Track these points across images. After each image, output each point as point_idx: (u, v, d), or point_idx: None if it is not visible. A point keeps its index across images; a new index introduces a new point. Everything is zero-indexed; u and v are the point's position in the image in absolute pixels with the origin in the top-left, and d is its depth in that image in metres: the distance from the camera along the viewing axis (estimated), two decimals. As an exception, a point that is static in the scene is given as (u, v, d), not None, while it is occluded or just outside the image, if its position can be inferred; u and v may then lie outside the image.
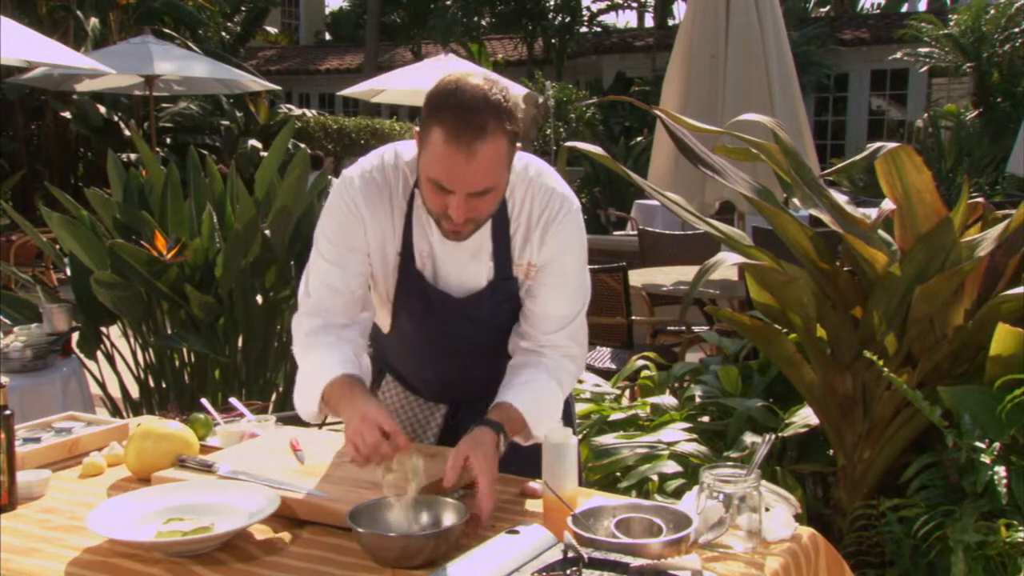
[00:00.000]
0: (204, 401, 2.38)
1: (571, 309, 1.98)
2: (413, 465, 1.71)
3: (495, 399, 1.89)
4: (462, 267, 1.96)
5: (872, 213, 2.70)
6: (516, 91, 11.39)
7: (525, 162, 1.93)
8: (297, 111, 16.75)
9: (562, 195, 1.93)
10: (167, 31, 14.24)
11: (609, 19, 45.59)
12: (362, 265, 1.97)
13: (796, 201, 2.77)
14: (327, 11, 29.14)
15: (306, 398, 1.92)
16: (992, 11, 13.25)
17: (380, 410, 1.77)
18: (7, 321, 3.81)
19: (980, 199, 2.87)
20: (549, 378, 1.93)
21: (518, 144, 1.82)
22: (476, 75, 1.81)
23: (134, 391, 4.12)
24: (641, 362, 3.60)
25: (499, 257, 1.93)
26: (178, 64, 10.64)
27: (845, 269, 2.78)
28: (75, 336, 3.87)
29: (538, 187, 1.92)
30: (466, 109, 1.72)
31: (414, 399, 2.20)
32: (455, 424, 2.14)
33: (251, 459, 1.93)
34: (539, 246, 1.92)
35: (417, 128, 1.83)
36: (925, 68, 14.48)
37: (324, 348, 1.91)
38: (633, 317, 4.65)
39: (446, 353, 2.05)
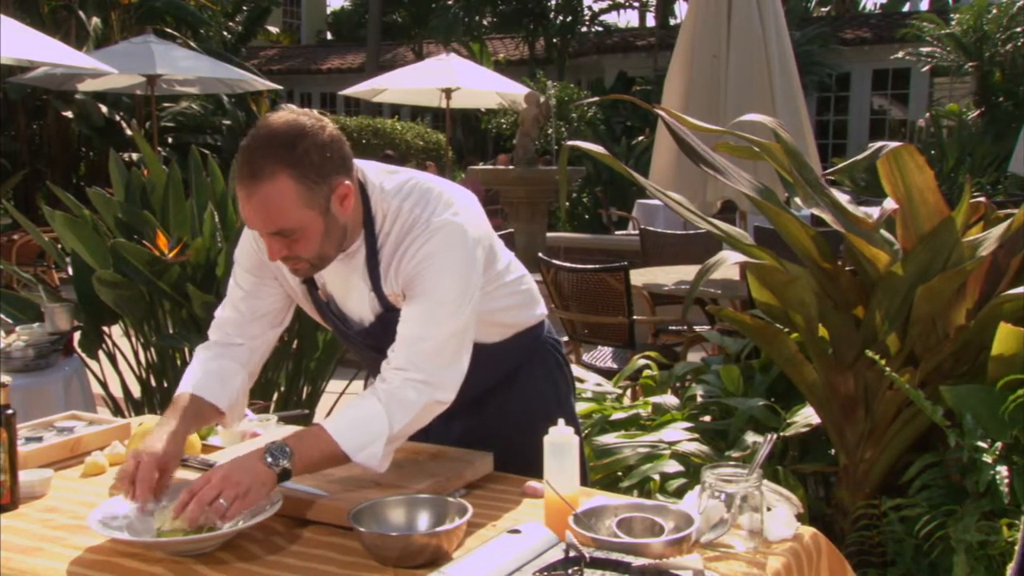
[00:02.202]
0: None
1: (420, 331, 1.82)
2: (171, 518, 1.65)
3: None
4: (349, 301, 1.98)
5: (874, 212, 2.70)
6: (518, 90, 11.41)
7: (407, 189, 1.89)
8: (298, 109, 16.73)
9: (425, 220, 1.84)
10: (169, 31, 14.25)
11: (611, 19, 45.55)
12: (267, 287, 2.04)
13: (798, 200, 2.76)
14: (328, 11, 29.15)
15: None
16: (994, 10, 13.24)
17: (153, 454, 1.74)
18: (9, 320, 3.82)
19: (982, 199, 2.87)
20: (376, 402, 1.79)
21: (346, 181, 1.79)
22: (295, 114, 1.80)
23: (136, 390, 4.12)
24: (643, 361, 3.60)
25: (376, 289, 1.92)
26: (180, 64, 10.66)
27: (847, 269, 2.78)
28: (77, 335, 3.87)
29: (405, 216, 1.87)
30: (247, 150, 1.75)
31: None
32: (448, 426, 2.13)
33: (253, 458, 1.92)
34: (396, 273, 1.88)
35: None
36: (927, 67, 14.48)
37: (196, 363, 2.02)
38: (635, 316, 4.65)
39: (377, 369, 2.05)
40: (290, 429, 2.18)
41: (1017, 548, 1.24)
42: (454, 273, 1.84)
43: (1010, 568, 1.26)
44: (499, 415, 2.12)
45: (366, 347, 2.02)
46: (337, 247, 1.86)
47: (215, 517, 1.61)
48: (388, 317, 1.91)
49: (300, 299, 2.06)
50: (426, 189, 1.89)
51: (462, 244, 1.85)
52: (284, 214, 1.74)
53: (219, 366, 2.00)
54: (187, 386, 1.96)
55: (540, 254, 5.11)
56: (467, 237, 1.86)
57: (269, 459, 1.68)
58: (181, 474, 1.88)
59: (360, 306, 1.97)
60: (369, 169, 1.93)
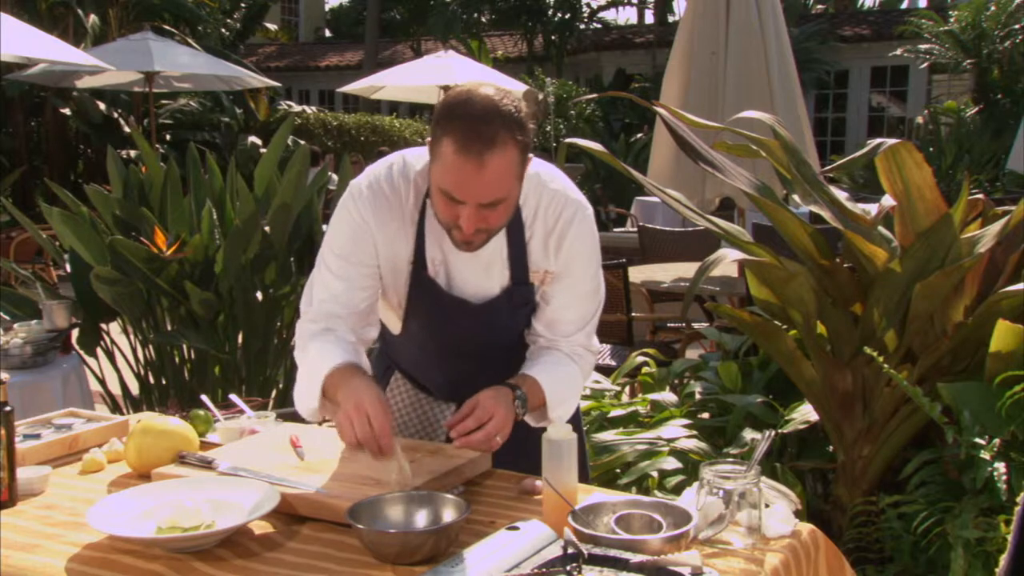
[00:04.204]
0: (204, 397, 2.38)
1: (587, 311, 2.01)
2: (400, 466, 1.74)
3: (518, 372, 1.96)
4: (477, 274, 1.97)
5: (872, 209, 2.70)
6: (516, 88, 11.40)
7: (537, 168, 1.93)
8: (297, 108, 16.74)
9: (576, 201, 1.94)
10: (167, 27, 14.22)
11: (609, 15, 45.56)
12: (368, 279, 1.97)
13: (796, 198, 2.76)
14: (327, 7, 29.12)
15: (307, 392, 1.93)
16: (992, 7, 13.24)
17: (376, 403, 1.78)
18: (7, 318, 3.81)
19: (980, 196, 2.88)
20: (571, 362, 1.99)
21: (530, 155, 1.83)
22: (488, 85, 1.81)
23: (134, 387, 4.12)
24: (641, 358, 3.60)
25: (515, 264, 1.94)
26: (178, 61, 10.63)
27: (845, 265, 2.78)
28: (75, 332, 3.87)
29: (552, 194, 1.93)
30: (476, 120, 1.72)
31: (424, 397, 2.19)
32: None
33: (251, 455, 1.93)
34: (555, 253, 1.94)
35: (429, 137, 1.82)
36: (925, 64, 14.47)
37: (324, 342, 1.94)
38: (633, 314, 4.65)
39: (459, 357, 2.06)
40: (287, 426, 2.18)
41: (1010, 539, 1.25)
42: (599, 259, 2.02)
43: (1003, 558, 1.26)
44: None
45: (470, 323, 1.98)
46: (511, 216, 1.89)
47: (486, 447, 1.84)
48: (514, 291, 1.96)
49: (395, 282, 1.99)
50: (550, 168, 1.97)
51: (596, 227, 2.02)
52: (508, 183, 1.77)
53: (353, 349, 1.95)
54: (337, 358, 1.89)
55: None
56: None
57: (518, 408, 1.87)
58: (181, 471, 1.88)
59: (486, 279, 1.96)
60: None
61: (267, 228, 3.83)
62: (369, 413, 1.75)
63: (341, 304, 1.96)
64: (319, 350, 1.92)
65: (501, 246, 1.93)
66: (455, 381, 2.10)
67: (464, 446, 1.84)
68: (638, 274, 5.07)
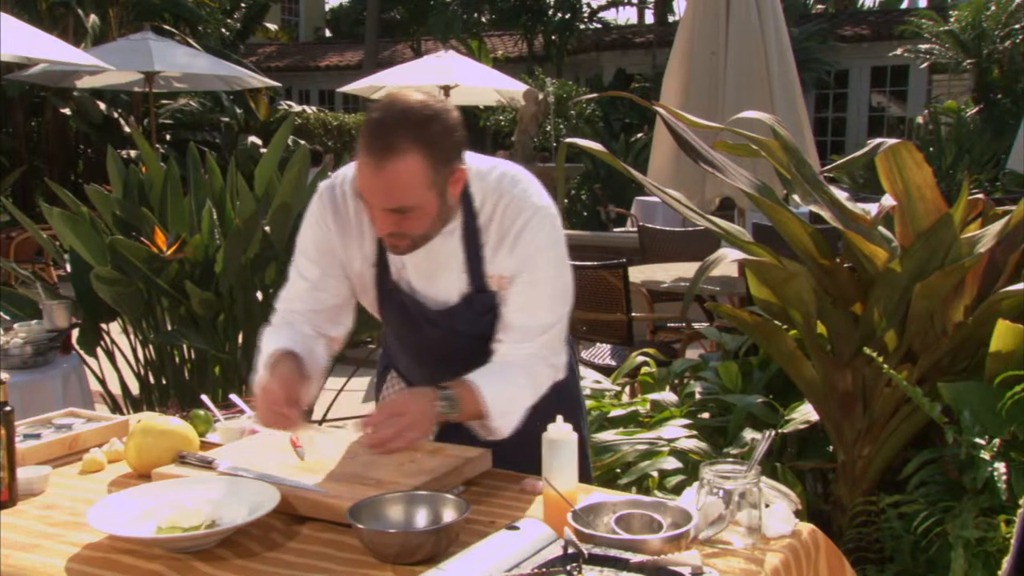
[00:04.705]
0: (204, 397, 2.38)
1: (547, 318, 1.93)
2: (308, 437, 1.81)
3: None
4: (435, 280, 1.98)
5: (872, 209, 2.70)
6: (516, 88, 11.40)
7: (499, 172, 1.92)
8: (297, 108, 16.74)
9: (534, 205, 1.90)
10: (167, 27, 14.23)
11: (609, 15, 45.55)
12: (333, 279, 2.03)
13: (796, 197, 2.76)
14: (327, 7, 29.11)
15: (255, 382, 1.99)
16: (992, 7, 13.24)
17: (276, 380, 1.83)
18: (7, 318, 3.81)
19: (980, 195, 2.87)
20: (520, 372, 1.91)
21: (462, 166, 1.83)
22: (421, 93, 1.82)
23: (134, 387, 4.12)
24: (641, 358, 3.60)
25: (472, 270, 1.93)
26: (178, 61, 10.64)
27: (845, 265, 2.78)
28: (75, 332, 3.87)
29: (510, 199, 1.90)
30: (380, 125, 1.75)
31: None
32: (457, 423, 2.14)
33: (251, 455, 1.93)
34: (508, 257, 1.91)
35: None
36: (926, 64, 14.47)
37: (276, 333, 2.03)
38: (633, 314, 4.65)
39: (436, 359, 2.06)
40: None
41: (1013, 541, 1.24)
42: (563, 258, 1.95)
43: (1006, 561, 1.26)
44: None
45: (438, 329, 2.00)
46: (441, 227, 1.88)
47: (396, 447, 1.79)
48: (474, 298, 1.94)
49: (363, 285, 2.04)
50: (518, 174, 1.95)
51: (561, 231, 1.96)
52: (408, 192, 1.76)
53: (304, 339, 2.00)
54: (282, 344, 1.96)
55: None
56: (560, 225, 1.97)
57: (441, 409, 1.82)
58: (181, 470, 1.88)
59: (446, 286, 1.97)
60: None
61: (267, 228, 3.83)
62: (273, 389, 1.80)
63: (305, 303, 2.04)
64: (266, 341, 2.01)
65: (457, 252, 1.93)
66: (437, 381, 2.11)
67: (374, 444, 1.81)
68: (638, 274, 5.07)
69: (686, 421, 3.00)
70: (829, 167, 3.05)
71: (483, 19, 20.60)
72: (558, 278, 1.94)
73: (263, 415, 1.84)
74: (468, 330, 1.97)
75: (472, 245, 1.92)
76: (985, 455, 2.35)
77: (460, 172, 1.83)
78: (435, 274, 1.97)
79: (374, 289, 2.03)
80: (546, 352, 1.94)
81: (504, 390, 1.89)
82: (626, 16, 65.61)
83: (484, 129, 16.01)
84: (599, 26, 20.19)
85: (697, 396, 3.21)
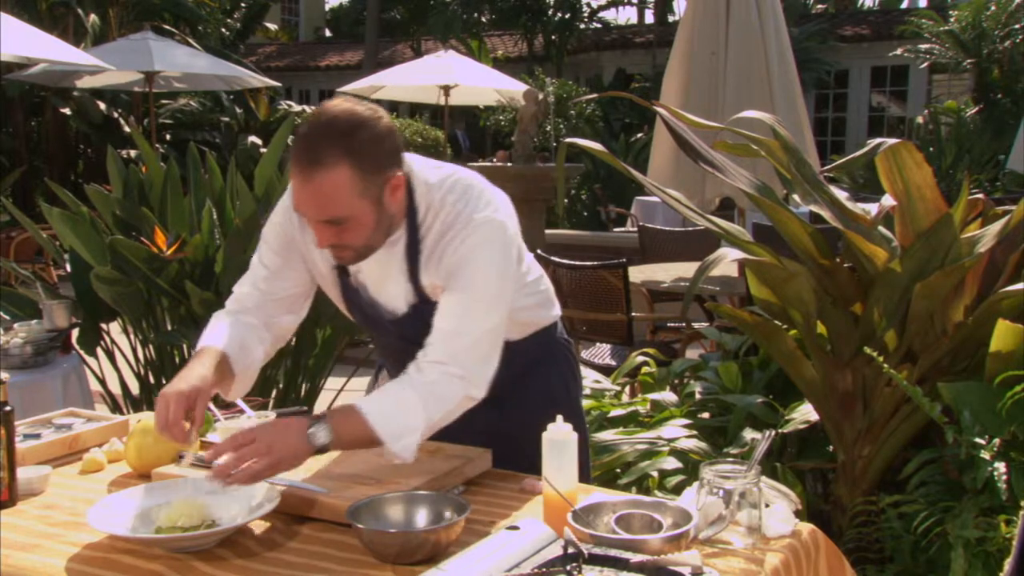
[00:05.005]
0: (204, 397, 2.38)
1: (458, 326, 1.84)
2: (169, 515, 1.68)
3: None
4: (385, 289, 1.98)
5: (872, 209, 2.70)
6: (516, 87, 11.40)
7: (450, 182, 1.90)
8: (297, 107, 16.72)
9: (468, 216, 1.86)
10: (167, 27, 14.23)
11: (609, 15, 45.50)
12: (292, 271, 2.03)
13: (796, 197, 2.76)
14: (327, 7, 29.11)
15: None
16: (992, 7, 13.24)
17: (174, 388, 1.76)
18: (7, 317, 3.81)
19: (980, 195, 2.87)
20: (413, 393, 1.79)
21: (400, 172, 1.81)
22: (353, 102, 1.81)
23: (134, 387, 4.12)
24: (641, 358, 3.60)
25: (414, 280, 1.93)
26: (178, 60, 10.64)
27: (845, 265, 2.78)
28: (75, 332, 3.86)
29: (448, 209, 1.88)
30: (306, 138, 1.75)
31: None
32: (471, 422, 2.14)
33: (251, 455, 1.92)
34: (438, 266, 1.89)
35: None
36: (925, 64, 14.47)
37: (217, 322, 2.01)
38: (633, 313, 4.65)
39: (402, 361, 2.05)
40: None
41: (1015, 543, 1.24)
42: (493, 270, 1.87)
43: (1007, 563, 1.26)
44: (516, 412, 2.13)
45: (394, 336, 2.02)
46: (384, 237, 1.87)
47: (243, 480, 1.64)
48: (422, 308, 1.93)
49: (327, 285, 2.06)
50: (468, 185, 1.91)
51: (502, 242, 1.88)
52: (339, 203, 1.75)
53: (240, 332, 1.99)
54: (208, 341, 1.94)
55: (538, 251, 5.11)
56: (506, 235, 1.89)
57: (312, 434, 1.71)
58: (181, 470, 1.88)
59: (395, 295, 1.97)
60: (415, 161, 1.94)
61: (267, 228, 3.83)
62: (170, 402, 1.74)
63: (261, 290, 2.04)
64: (206, 332, 1.99)
65: (401, 262, 1.93)
66: None
67: (216, 475, 1.65)
68: (638, 274, 5.07)
69: (686, 421, 3.00)
70: (829, 167, 3.05)
71: (483, 19, 20.60)
72: (484, 289, 1.86)
73: (155, 422, 1.77)
74: (421, 339, 1.91)
75: (413, 255, 1.91)
76: (985, 455, 2.35)
77: (396, 179, 1.81)
78: (384, 283, 1.97)
79: (337, 290, 2.04)
80: (459, 369, 1.82)
81: (395, 413, 1.78)
82: (626, 16, 65.58)
83: (484, 129, 16.02)
84: (599, 26, 20.19)
85: (697, 396, 3.21)
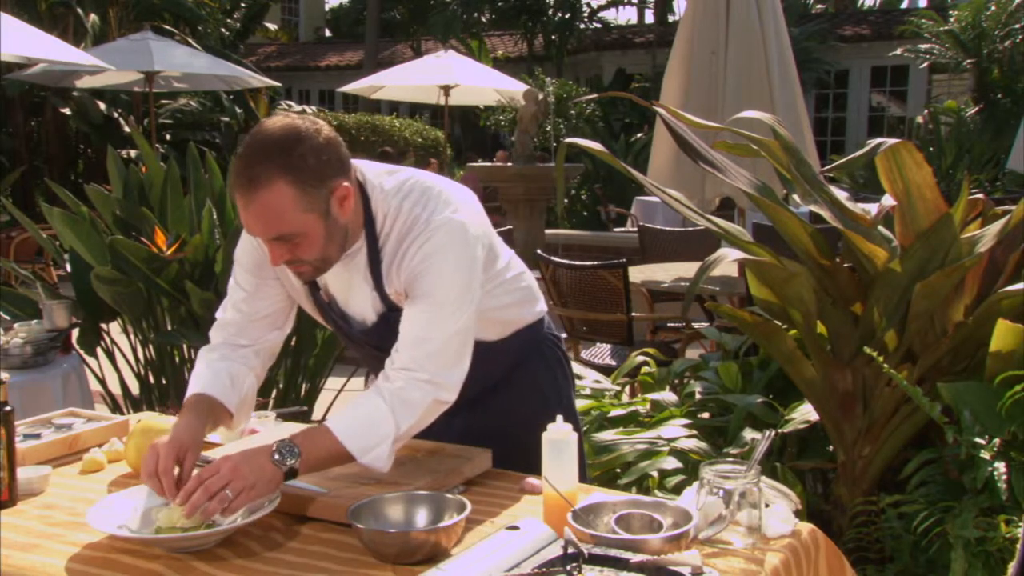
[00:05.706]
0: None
1: (423, 331, 1.82)
2: (168, 515, 1.67)
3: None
4: (352, 301, 1.98)
5: (872, 209, 2.70)
6: (516, 87, 11.41)
7: (407, 188, 1.89)
8: (297, 108, 16.74)
9: (426, 219, 1.84)
10: (167, 27, 14.23)
11: (609, 15, 45.43)
12: (268, 289, 2.03)
13: (796, 197, 2.76)
14: (327, 7, 29.11)
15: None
16: (992, 7, 13.25)
17: (168, 444, 1.73)
18: (7, 318, 3.81)
19: (980, 195, 2.87)
20: (382, 402, 1.79)
21: (346, 183, 1.79)
22: (291, 117, 1.80)
23: (134, 387, 4.12)
24: (641, 358, 3.60)
25: (379, 289, 1.92)
26: (178, 60, 10.64)
27: (845, 265, 2.78)
28: (75, 332, 3.87)
29: (406, 215, 1.86)
30: (243, 158, 1.75)
31: None
32: (450, 423, 2.13)
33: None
34: (399, 272, 1.87)
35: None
36: (925, 64, 14.48)
37: (204, 364, 1.99)
38: (633, 313, 4.65)
39: (380, 369, 2.05)
40: (288, 426, 2.19)
41: (1019, 546, 1.24)
42: (455, 272, 1.83)
43: (1011, 566, 1.26)
44: (500, 412, 2.12)
45: (368, 346, 2.02)
46: (340, 249, 1.85)
47: (217, 507, 1.62)
48: (391, 316, 1.91)
49: (302, 300, 2.05)
50: (426, 188, 1.89)
51: (463, 243, 1.85)
52: (283, 220, 1.74)
53: (228, 367, 1.98)
54: (197, 387, 1.94)
55: (538, 251, 5.11)
56: (467, 235, 1.86)
57: (277, 457, 1.69)
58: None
59: (362, 306, 1.96)
60: (368, 169, 1.92)
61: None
62: (159, 453, 1.72)
63: (242, 313, 2.04)
64: (196, 372, 1.98)
65: (363, 271, 1.92)
66: None
67: (189, 510, 1.63)
68: (638, 274, 5.07)
69: (686, 421, 3.00)
70: (829, 167, 3.05)
71: (483, 19, 20.62)
72: (447, 292, 1.83)
73: (142, 470, 1.74)
74: (390, 348, 1.90)
75: (375, 263, 1.90)
76: (985, 455, 2.35)
77: (342, 189, 1.79)
78: (350, 294, 1.97)
79: (311, 304, 2.03)
80: (425, 374, 1.80)
81: (364, 425, 1.77)
82: (626, 16, 65.57)
83: (484, 129, 16.03)
84: (599, 26, 20.20)
85: (697, 396, 3.21)
